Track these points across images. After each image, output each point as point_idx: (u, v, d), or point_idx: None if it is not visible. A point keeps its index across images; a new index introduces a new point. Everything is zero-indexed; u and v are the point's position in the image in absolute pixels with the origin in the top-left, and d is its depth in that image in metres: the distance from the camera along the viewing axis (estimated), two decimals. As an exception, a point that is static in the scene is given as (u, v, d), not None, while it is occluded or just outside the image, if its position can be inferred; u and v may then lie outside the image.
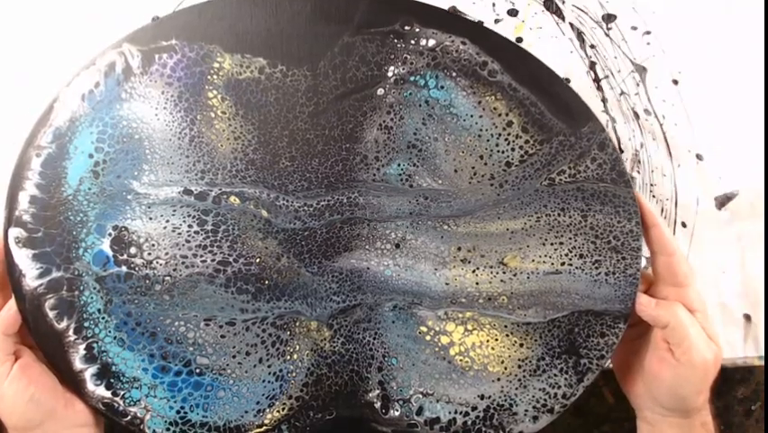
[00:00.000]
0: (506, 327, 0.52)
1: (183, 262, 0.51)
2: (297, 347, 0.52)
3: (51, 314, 0.50)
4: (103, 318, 0.51)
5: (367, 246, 0.52)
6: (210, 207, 0.51)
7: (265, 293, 0.52)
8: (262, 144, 0.51)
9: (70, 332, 0.51)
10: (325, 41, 0.51)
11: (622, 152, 0.77)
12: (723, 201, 0.78)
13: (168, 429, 0.52)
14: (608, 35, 0.74)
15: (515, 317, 0.52)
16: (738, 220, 0.77)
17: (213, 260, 0.51)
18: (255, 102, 0.51)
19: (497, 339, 0.52)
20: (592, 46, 0.74)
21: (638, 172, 0.77)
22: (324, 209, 0.51)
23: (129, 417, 0.52)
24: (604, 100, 0.75)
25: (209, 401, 0.52)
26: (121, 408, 0.52)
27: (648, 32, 0.74)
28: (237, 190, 0.51)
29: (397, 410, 0.53)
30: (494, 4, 0.73)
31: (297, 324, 0.52)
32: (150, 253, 0.51)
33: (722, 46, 0.75)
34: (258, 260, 0.51)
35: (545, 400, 0.52)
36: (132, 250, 0.51)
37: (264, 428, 0.53)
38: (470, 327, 0.52)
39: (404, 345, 0.52)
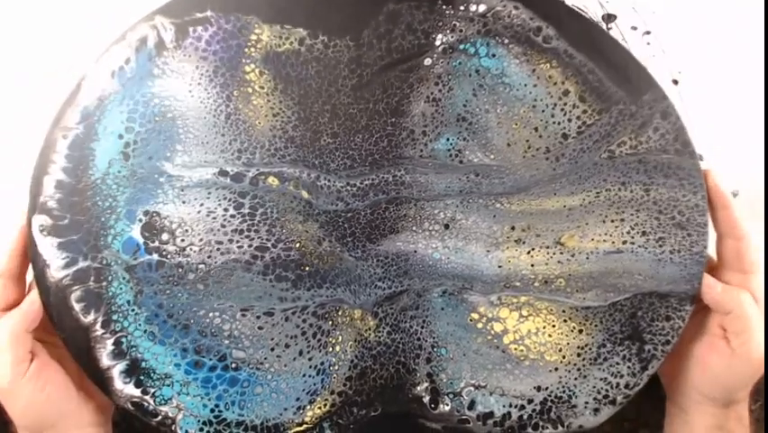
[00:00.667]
0: (563, 311, 0.49)
1: (218, 249, 0.48)
2: (340, 338, 0.49)
3: (78, 307, 0.47)
4: (133, 311, 0.48)
5: (414, 228, 0.49)
6: (247, 188, 0.48)
7: (305, 280, 0.48)
8: (303, 121, 0.48)
9: (98, 326, 0.48)
10: (369, 8, 0.48)
11: None
12: None
13: (201, 429, 0.49)
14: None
15: (573, 300, 0.49)
16: None
17: (250, 245, 0.48)
18: (295, 76, 0.48)
19: (554, 325, 0.49)
20: None
21: None
22: (368, 189, 0.48)
23: (160, 417, 0.49)
24: None
25: (246, 398, 0.49)
26: (151, 407, 0.48)
27: (648, 32, 0.74)
28: (276, 170, 0.48)
29: (448, 405, 0.49)
30: None
31: (340, 313, 0.49)
32: (183, 240, 0.48)
33: (722, 46, 0.75)
34: (298, 244, 0.48)
35: (607, 390, 0.49)
36: (165, 236, 0.48)
37: (305, 426, 0.49)
38: (525, 313, 0.49)
39: (454, 334, 0.49)
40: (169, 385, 0.48)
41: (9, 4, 0.63)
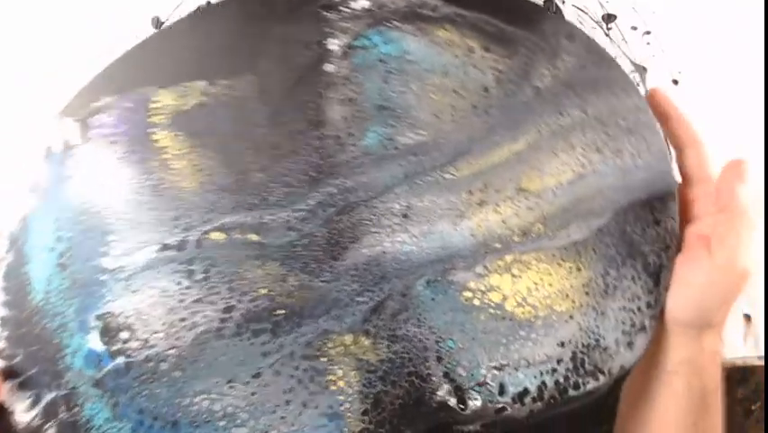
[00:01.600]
0: (554, 255, 0.46)
1: (184, 326, 0.44)
2: (340, 372, 0.44)
3: None
4: (115, 427, 0.43)
5: (373, 229, 0.46)
6: (194, 253, 0.45)
7: (283, 325, 0.44)
8: (228, 166, 0.46)
9: None
10: (258, 39, 0.48)
11: None
12: None
13: None
14: (607, 35, 0.76)
15: (558, 240, 0.46)
16: None
17: (215, 310, 0.44)
18: (207, 127, 0.47)
19: (550, 273, 0.46)
20: None
21: None
22: (315, 208, 0.46)
23: None
24: None
25: None
26: None
27: (648, 32, 0.77)
28: (217, 224, 0.45)
29: (477, 399, 0.44)
30: None
31: (330, 345, 0.44)
32: (144, 331, 0.44)
33: (722, 46, 0.78)
34: (264, 291, 0.45)
35: (632, 318, 0.45)
36: (124, 335, 0.44)
37: None
38: (516, 272, 0.46)
39: (455, 321, 0.45)
40: None
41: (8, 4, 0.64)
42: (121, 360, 0.44)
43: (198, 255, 0.45)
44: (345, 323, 0.45)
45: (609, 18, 0.77)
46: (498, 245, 0.46)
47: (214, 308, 0.45)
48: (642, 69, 0.78)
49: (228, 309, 0.45)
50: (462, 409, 0.44)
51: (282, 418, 0.44)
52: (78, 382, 0.43)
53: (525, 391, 0.44)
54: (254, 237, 0.46)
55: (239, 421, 0.44)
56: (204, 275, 0.45)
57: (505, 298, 0.45)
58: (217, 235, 0.46)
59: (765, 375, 0.80)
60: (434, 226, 0.46)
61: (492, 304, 0.45)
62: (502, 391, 0.44)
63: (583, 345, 0.45)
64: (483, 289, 0.45)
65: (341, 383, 0.44)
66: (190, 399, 0.44)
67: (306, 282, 0.45)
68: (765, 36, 0.78)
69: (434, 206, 0.47)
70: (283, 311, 0.45)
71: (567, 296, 0.46)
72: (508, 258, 0.46)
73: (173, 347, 0.44)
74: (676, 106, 0.54)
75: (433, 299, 0.45)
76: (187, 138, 0.47)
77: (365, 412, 0.44)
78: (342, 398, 0.44)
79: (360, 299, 0.45)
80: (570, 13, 0.76)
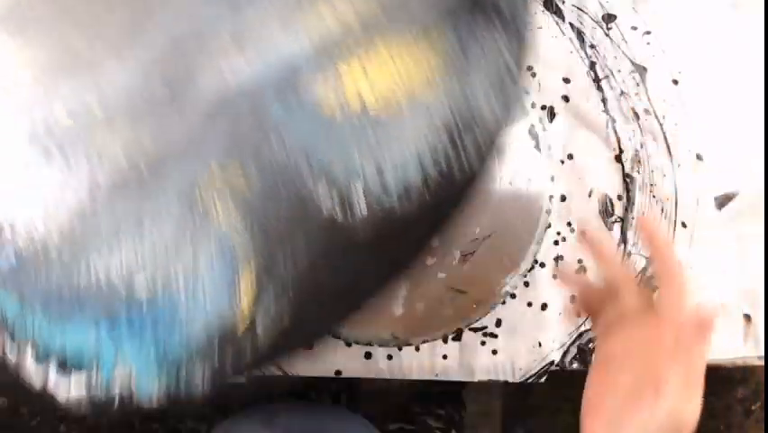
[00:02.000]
0: (402, 38, 0.44)
1: (57, 207, 0.46)
2: (219, 207, 0.46)
3: None
4: (27, 315, 0.46)
5: (208, 62, 0.46)
6: (45, 139, 0.46)
7: (151, 179, 0.46)
8: (50, 47, 0.46)
9: (8, 350, 0.46)
10: None
11: (622, 151, 0.79)
12: (723, 201, 0.79)
13: (159, 379, 0.46)
14: (607, 35, 0.77)
15: (399, 23, 0.44)
16: (738, 220, 0.79)
17: (82, 185, 0.46)
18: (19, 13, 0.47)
19: (404, 60, 0.44)
20: (592, 46, 0.76)
21: (638, 172, 0.79)
22: (144, 61, 0.46)
23: (116, 400, 0.46)
24: (604, 100, 0.77)
25: (175, 325, 0.46)
26: (101, 399, 0.46)
27: (648, 32, 0.77)
28: (58, 106, 0.46)
29: (362, 205, 0.45)
30: None
31: (202, 184, 0.46)
32: (23, 223, 0.46)
33: (722, 46, 0.78)
34: (122, 154, 0.46)
35: (501, 81, 0.44)
36: (6, 232, 0.46)
37: (246, 320, 0.46)
38: (369, 68, 0.44)
39: (320, 135, 0.45)
40: (105, 362, 0.46)
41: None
42: (11, 253, 0.45)
43: (50, 140, 0.46)
44: (209, 160, 0.45)
45: (609, 18, 0.77)
46: (339, 45, 0.44)
47: (81, 183, 0.46)
48: (642, 69, 0.78)
49: (94, 181, 0.46)
50: (351, 218, 0.44)
51: (177, 260, 0.46)
52: None
53: (411, 186, 0.44)
54: (96, 108, 0.46)
55: (135, 274, 0.46)
56: (62, 157, 0.46)
57: (363, 99, 0.44)
58: (61, 116, 0.46)
59: (765, 375, 0.80)
60: (268, 43, 0.45)
61: (352, 108, 0.44)
62: (386, 191, 0.44)
63: (457, 125, 0.44)
64: (339, 95, 0.44)
65: (221, 218, 0.45)
66: (85, 269, 0.46)
67: (159, 134, 0.46)
68: (765, 36, 0.77)
69: (261, 20, 0.45)
70: (146, 167, 0.46)
71: (428, 78, 0.44)
72: (355, 55, 0.44)
73: (54, 229, 0.46)
74: (664, 239, 0.53)
75: (290, 118, 0.45)
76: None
77: (253, 239, 0.45)
78: (226, 231, 0.45)
79: (215, 134, 0.45)
80: (569, 13, 0.76)
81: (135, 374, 0.45)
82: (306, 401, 1.01)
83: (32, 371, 0.45)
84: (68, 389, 0.46)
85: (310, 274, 0.46)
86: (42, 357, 0.45)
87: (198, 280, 0.46)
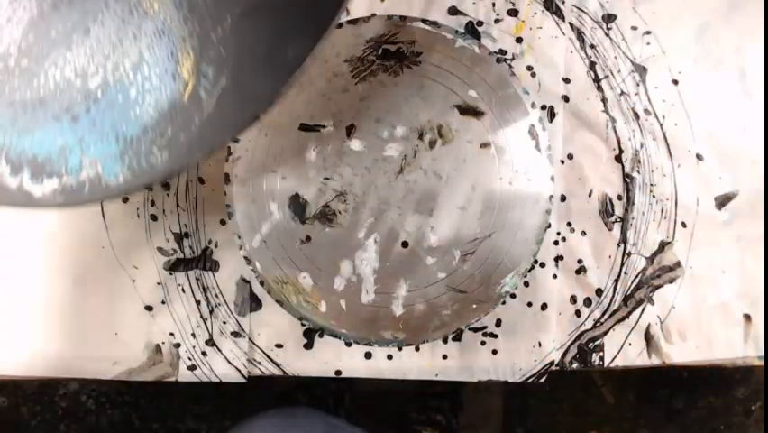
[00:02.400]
0: None
1: (9, 20, 0.51)
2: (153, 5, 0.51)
3: None
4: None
5: None
6: None
7: None
8: None
9: None
10: None
11: (622, 151, 0.79)
12: (723, 201, 0.79)
13: (122, 160, 0.50)
14: (608, 35, 0.77)
15: None
16: (738, 220, 0.79)
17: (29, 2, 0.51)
18: None
19: None
20: (592, 46, 0.76)
21: (638, 172, 0.79)
22: None
23: (86, 185, 0.49)
24: (604, 100, 0.77)
25: (128, 108, 0.51)
26: (72, 186, 0.49)
27: (648, 32, 0.77)
28: None
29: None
30: (494, 4, 0.75)
31: None
32: None
33: (722, 46, 0.78)
34: None
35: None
36: None
37: (189, 87, 0.50)
38: None
39: None
40: (69, 155, 0.50)
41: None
42: None
43: None
44: None
45: (609, 18, 0.77)
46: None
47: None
48: (642, 69, 0.77)
49: None
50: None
51: (123, 53, 0.50)
52: None
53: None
54: None
55: (88, 71, 0.50)
56: None
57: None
58: None
59: (765, 375, 0.80)
60: None
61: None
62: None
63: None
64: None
65: (156, 5, 0.50)
66: (44, 76, 0.50)
67: None
68: (765, 36, 0.77)
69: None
70: None
71: None
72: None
73: (12, 43, 0.50)
74: None
75: None
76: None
77: (185, 17, 0.50)
78: (162, 16, 0.50)
79: None
80: (569, 13, 0.75)
81: (100, 159, 0.49)
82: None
83: (7, 176, 0.49)
84: (42, 187, 0.49)
85: (237, 35, 0.50)
86: (17, 168, 0.49)
87: (143, 64, 0.50)
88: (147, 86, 0.51)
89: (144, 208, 0.77)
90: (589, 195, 0.79)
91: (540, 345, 0.80)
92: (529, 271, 0.75)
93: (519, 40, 0.77)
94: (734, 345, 0.81)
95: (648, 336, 0.80)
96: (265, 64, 0.49)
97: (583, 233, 0.79)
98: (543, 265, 0.80)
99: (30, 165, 0.50)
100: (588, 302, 0.81)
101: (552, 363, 0.80)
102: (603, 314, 0.81)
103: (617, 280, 0.80)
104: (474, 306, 0.67)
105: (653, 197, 0.79)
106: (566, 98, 0.78)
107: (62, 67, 0.51)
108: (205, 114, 0.50)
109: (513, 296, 0.79)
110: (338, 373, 0.79)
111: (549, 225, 0.75)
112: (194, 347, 0.79)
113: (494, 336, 0.79)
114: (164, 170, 0.51)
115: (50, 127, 0.51)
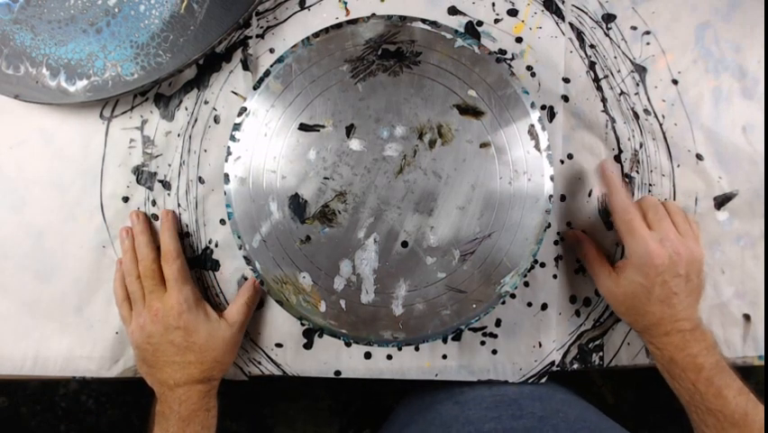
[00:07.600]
0: None
1: None
2: None
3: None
4: (40, 45, 0.69)
5: None
6: None
7: None
8: None
9: (28, 67, 0.70)
10: None
11: (621, 151, 0.79)
12: (722, 201, 0.80)
13: (137, 65, 0.69)
14: (607, 35, 0.77)
15: None
16: (738, 220, 0.80)
17: None
18: None
19: None
20: (592, 46, 0.76)
21: (637, 172, 0.79)
22: None
23: (109, 82, 0.70)
24: (604, 100, 0.77)
25: (139, 20, 0.69)
26: (98, 83, 0.70)
27: (648, 32, 0.77)
28: None
29: None
30: (494, 4, 0.75)
31: None
32: None
33: (722, 46, 0.77)
34: None
35: None
36: None
37: (185, 1, 0.68)
38: None
39: None
40: (95, 60, 0.70)
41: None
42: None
43: None
44: None
45: (609, 18, 0.77)
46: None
47: None
48: (642, 69, 0.77)
49: None
50: None
51: None
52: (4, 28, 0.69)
53: None
54: None
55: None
56: None
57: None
58: None
59: (765, 375, 0.80)
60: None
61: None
62: None
63: None
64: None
65: None
66: None
67: None
68: (765, 36, 0.77)
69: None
70: None
71: None
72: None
73: None
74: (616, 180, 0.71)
75: None
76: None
77: None
78: None
79: None
80: (569, 13, 0.75)
81: (119, 61, 0.68)
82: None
83: (48, 78, 0.69)
84: (75, 86, 0.69)
85: None
86: (55, 70, 0.68)
87: None
88: (153, 1, 0.68)
89: (145, 208, 0.77)
90: (589, 195, 0.79)
91: (540, 345, 0.80)
92: (529, 270, 0.75)
93: (519, 40, 0.77)
94: (733, 344, 0.81)
95: (648, 336, 0.80)
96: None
97: (583, 233, 0.79)
98: (543, 265, 0.80)
99: (65, 69, 0.68)
100: (588, 302, 0.81)
101: (552, 363, 0.80)
102: (603, 314, 0.81)
103: (616, 280, 0.80)
104: (474, 306, 0.67)
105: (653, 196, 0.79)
106: (566, 98, 0.78)
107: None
108: (198, 21, 0.68)
109: (513, 296, 0.79)
110: (338, 373, 0.79)
111: (549, 225, 0.75)
112: (194, 347, 0.79)
113: (494, 335, 0.79)
114: (169, 68, 0.69)
115: (79, 38, 0.68)
